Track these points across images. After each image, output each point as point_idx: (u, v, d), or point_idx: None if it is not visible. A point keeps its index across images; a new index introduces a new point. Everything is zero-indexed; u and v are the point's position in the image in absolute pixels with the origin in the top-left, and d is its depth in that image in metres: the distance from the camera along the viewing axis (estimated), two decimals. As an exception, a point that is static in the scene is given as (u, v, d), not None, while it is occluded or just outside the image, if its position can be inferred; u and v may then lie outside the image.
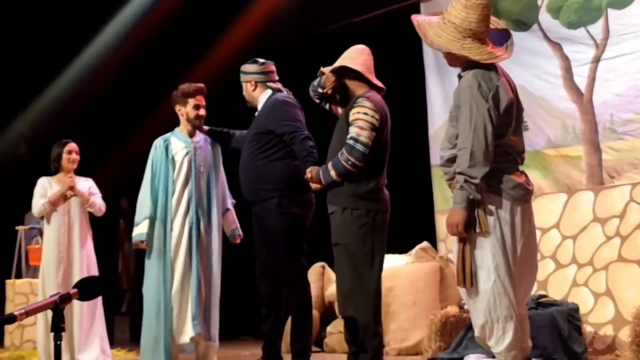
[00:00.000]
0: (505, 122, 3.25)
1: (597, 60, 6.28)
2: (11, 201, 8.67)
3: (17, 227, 7.93)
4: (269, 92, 4.68)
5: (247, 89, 4.73)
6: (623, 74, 6.09)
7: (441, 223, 6.91)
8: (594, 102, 6.26)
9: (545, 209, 6.29)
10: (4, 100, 9.05)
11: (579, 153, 6.34)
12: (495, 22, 3.41)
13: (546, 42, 6.62)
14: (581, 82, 6.36)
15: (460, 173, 3.18)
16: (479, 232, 3.18)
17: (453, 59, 3.36)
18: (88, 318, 5.83)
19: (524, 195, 3.28)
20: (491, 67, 3.27)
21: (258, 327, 9.34)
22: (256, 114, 4.71)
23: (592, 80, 6.30)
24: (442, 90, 7.40)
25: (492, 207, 3.19)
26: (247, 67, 4.74)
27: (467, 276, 3.17)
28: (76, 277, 5.67)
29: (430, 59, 7.55)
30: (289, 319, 4.75)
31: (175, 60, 8.70)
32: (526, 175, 3.42)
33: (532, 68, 6.70)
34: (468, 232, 3.20)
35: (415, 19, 3.40)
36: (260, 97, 4.69)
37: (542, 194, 6.47)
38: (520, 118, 3.42)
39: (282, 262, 4.48)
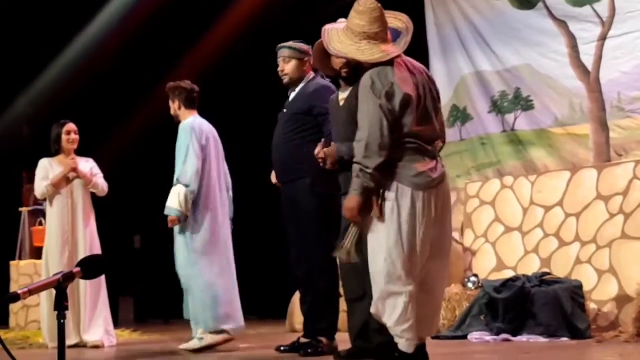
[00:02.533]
0: (403, 114, 3.43)
1: (603, 38, 6.23)
2: (14, 183, 8.67)
3: (21, 209, 7.94)
4: (312, 74, 4.81)
5: (294, 66, 4.77)
6: (630, 51, 6.05)
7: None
8: (601, 80, 6.23)
9: (548, 187, 6.28)
10: (5, 81, 9.01)
11: (586, 131, 6.31)
12: (397, 21, 3.62)
13: (551, 20, 6.57)
14: (588, 60, 6.32)
15: (356, 162, 3.42)
16: (374, 217, 3.42)
17: (358, 62, 3.60)
18: (92, 298, 5.85)
19: (429, 182, 3.44)
20: (390, 63, 3.48)
21: (262, 307, 9.39)
22: (293, 94, 4.80)
23: (598, 58, 6.26)
24: (445, 70, 7.36)
25: (391, 194, 3.41)
26: (300, 46, 4.81)
27: (350, 250, 3.48)
28: (80, 257, 5.67)
29: (434, 37, 7.51)
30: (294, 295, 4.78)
31: (176, 39, 8.66)
32: (438, 162, 3.53)
33: (537, 46, 6.66)
34: (366, 216, 3.45)
35: (325, 28, 3.64)
36: (305, 77, 4.80)
37: (546, 172, 6.45)
38: (428, 107, 3.54)
39: (312, 242, 4.55)
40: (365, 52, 3.47)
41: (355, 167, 3.41)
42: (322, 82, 4.74)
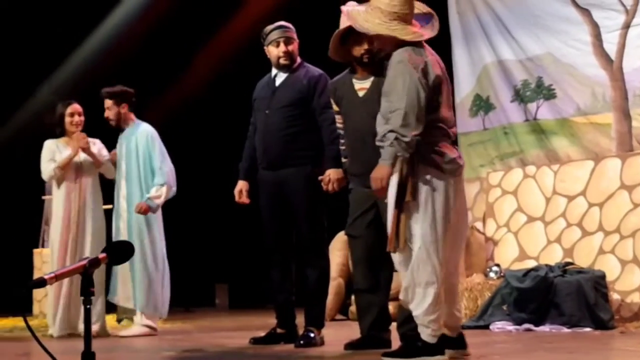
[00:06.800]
0: (435, 96, 3.44)
1: (627, 26, 6.17)
2: (37, 171, 8.72)
3: (44, 197, 7.99)
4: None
5: (297, 48, 4.63)
6: (654, 40, 5.98)
7: (468, 191, 6.87)
8: (624, 69, 6.17)
9: (571, 177, 6.23)
10: (30, 69, 9.06)
11: (608, 120, 6.26)
12: (421, 7, 3.63)
13: (575, 8, 6.51)
14: (611, 48, 6.26)
15: (391, 131, 3.34)
16: (410, 201, 3.35)
17: (384, 42, 3.56)
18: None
19: (457, 169, 3.45)
20: (420, 45, 3.49)
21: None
22: (283, 77, 4.61)
23: (622, 46, 6.20)
24: (468, 59, 7.32)
25: (427, 177, 3.37)
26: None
27: (401, 241, 3.37)
28: (87, 241, 5.62)
29: (457, 26, 7.46)
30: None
31: (199, 27, 8.66)
32: (457, 150, 3.55)
33: (560, 35, 6.60)
34: (402, 201, 3.36)
35: (345, 8, 3.66)
36: (303, 62, 4.65)
37: (569, 161, 6.41)
38: (449, 96, 3.56)
39: (310, 227, 4.53)
40: (398, 31, 3.44)
41: (390, 135, 3.34)
42: (324, 74, 4.56)
